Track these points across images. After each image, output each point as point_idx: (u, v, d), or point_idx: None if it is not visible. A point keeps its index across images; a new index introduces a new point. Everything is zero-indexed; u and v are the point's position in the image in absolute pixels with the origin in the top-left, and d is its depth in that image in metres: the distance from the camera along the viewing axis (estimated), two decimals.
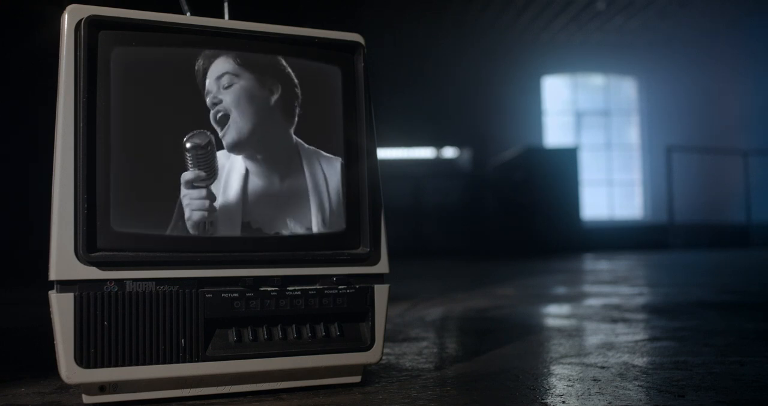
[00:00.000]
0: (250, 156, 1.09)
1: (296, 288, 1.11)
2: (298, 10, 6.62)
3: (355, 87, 1.18)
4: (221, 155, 1.07)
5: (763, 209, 11.83)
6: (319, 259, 1.12)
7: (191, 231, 1.03)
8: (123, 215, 1.00)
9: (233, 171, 1.07)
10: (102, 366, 0.99)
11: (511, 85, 13.84)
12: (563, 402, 1.04)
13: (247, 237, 1.07)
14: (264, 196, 1.09)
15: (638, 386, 1.14)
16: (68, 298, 0.98)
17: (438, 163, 13.66)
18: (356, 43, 1.18)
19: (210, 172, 1.06)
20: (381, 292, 1.17)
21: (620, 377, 1.22)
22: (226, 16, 1.29)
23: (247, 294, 1.07)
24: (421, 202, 12.53)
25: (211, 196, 1.05)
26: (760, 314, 2.18)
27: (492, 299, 2.87)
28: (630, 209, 15.12)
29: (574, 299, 2.82)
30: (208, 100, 1.06)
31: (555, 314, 2.30)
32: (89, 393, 1.02)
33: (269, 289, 1.09)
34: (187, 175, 1.04)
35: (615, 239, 11.11)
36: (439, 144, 13.63)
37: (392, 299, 1.78)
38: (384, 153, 12.44)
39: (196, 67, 1.07)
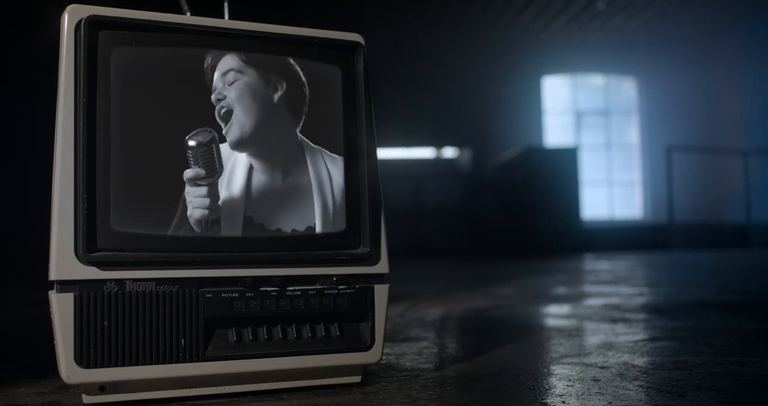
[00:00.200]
0: (254, 153, 1.09)
1: (296, 288, 1.11)
2: (298, 10, 6.62)
3: (355, 87, 1.18)
4: (226, 150, 1.07)
5: (763, 209, 11.83)
6: (319, 259, 1.12)
7: (194, 228, 1.04)
8: (123, 214, 1.00)
9: (238, 167, 1.08)
10: (102, 366, 0.99)
11: (511, 85, 13.84)
12: (563, 402, 1.04)
13: (247, 237, 1.07)
14: (267, 193, 1.09)
15: (638, 386, 1.14)
16: (68, 298, 0.98)
17: (438, 163, 13.67)
18: (356, 43, 1.18)
19: (210, 170, 1.06)
20: (381, 292, 1.17)
21: (620, 377, 1.22)
22: (226, 16, 1.30)
23: (247, 294, 1.07)
24: (421, 202, 12.53)
25: (213, 195, 1.06)
26: (760, 314, 2.18)
27: (492, 299, 2.87)
28: (630, 209, 15.12)
29: (574, 299, 2.82)
30: (213, 96, 1.07)
31: (555, 314, 2.30)
32: (89, 393, 1.02)
33: (269, 289, 1.09)
34: (188, 173, 1.04)
35: (615, 239, 11.11)
36: (439, 144, 13.63)
37: (392, 299, 1.78)
38: (384, 153, 12.44)
39: (205, 65, 1.07)
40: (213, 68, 1.08)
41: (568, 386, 1.16)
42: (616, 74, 14.90)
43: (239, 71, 1.09)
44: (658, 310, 2.34)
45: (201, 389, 1.07)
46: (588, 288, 3.38)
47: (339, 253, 1.13)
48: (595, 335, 1.77)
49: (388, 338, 1.71)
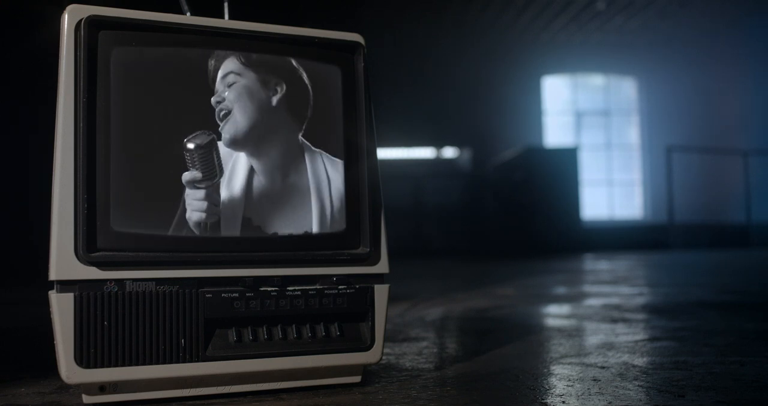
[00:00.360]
0: (253, 153, 1.09)
1: (296, 288, 1.11)
2: (298, 10, 6.62)
3: (355, 87, 1.18)
4: (227, 152, 1.07)
5: (763, 209, 11.83)
6: (319, 259, 1.12)
7: (194, 230, 1.04)
8: (123, 215, 1.00)
9: (239, 168, 1.08)
10: (102, 366, 0.99)
11: (511, 85, 13.84)
12: (563, 402, 1.04)
13: (247, 237, 1.07)
14: (266, 194, 1.09)
15: (638, 386, 1.14)
16: (68, 298, 0.98)
17: (438, 163, 13.67)
18: (356, 43, 1.18)
19: (208, 173, 1.05)
20: (381, 292, 1.17)
21: (620, 377, 1.22)
22: (226, 16, 1.30)
23: (247, 294, 1.07)
24: (421, 202, 12.53)
25: (211, 198, 1.05)
26: (760, 314, 2.18)
27: (492, 299, 2.87)
28: (630, 209, 15.12)
29: (574, 299, 2.82)
30: (213, 98, 1.07)
31: (555, 314, 2.30)
32: (89, 393, 1.02)
33: (269, 289, 1.09)
34: (185, 176, 1.04)
35: (615, 239, 11.11)
36: (439, 144, 13.63)
37: (392, 299, 1.78)
38: (384, 153, 12.44)
39: (209, 67, 1.08)
40: (216, 71, 1.08)
41: (568, 386, 1.16)
42: (616, 74, 14.90)
43: (238, 73, 1.09)
44: (658, 310, 2.34)
45: (201, 389, 1.07)
46: (588, 288, 3.38)
47: (339, 253, 1.13)
48: (595, 335, 1.77)
49: (388, 338, 1.71)
